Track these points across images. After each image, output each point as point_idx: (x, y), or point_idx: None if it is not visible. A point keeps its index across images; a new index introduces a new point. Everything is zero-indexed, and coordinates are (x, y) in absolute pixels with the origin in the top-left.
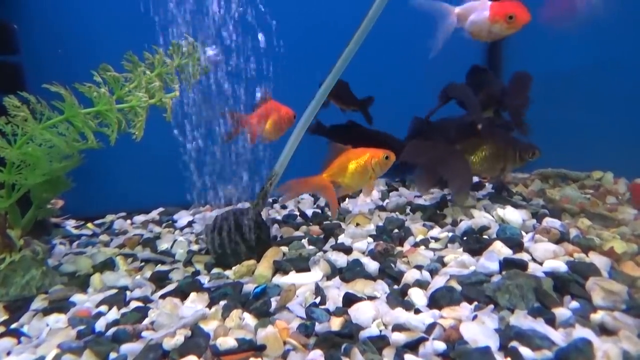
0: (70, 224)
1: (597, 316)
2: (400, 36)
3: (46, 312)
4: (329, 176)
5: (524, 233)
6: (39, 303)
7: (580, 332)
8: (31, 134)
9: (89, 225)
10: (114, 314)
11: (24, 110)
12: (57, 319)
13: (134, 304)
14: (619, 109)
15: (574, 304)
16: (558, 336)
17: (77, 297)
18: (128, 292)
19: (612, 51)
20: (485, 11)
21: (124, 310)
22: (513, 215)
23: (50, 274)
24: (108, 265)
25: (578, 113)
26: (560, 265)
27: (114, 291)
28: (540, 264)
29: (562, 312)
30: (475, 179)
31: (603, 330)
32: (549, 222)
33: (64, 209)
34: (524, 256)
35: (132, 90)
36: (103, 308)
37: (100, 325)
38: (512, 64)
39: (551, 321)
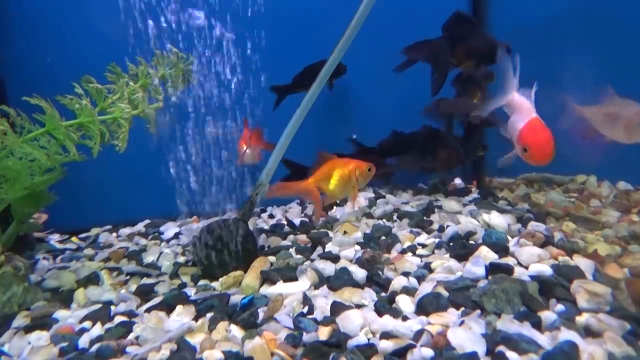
0: (54, 238)
1: (582, 319)
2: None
3: (28, 329)
4: (315, 182)
5: (509, 237)
6: (20, 320)
7: (566, 334)
8: (11, 148)
9: (74, 239)
10: (97, 329)
11: (4, 124)
12: (39, 337)
13: (118, 319)
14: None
15: (560, 307)
16: (544, 340)
17: (60, 314)
18: (112, 307)
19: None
20: (522, 123)
21: (108, 325)
22: (498, 220)
23: (33, 290)
24: (92, 279)
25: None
26: (545, 269)
27: (98, 306)
28: (526, 268)
29: (548, 316)
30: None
31: (588, 332)
32: (533, 226)
33: (47, 223)
34: (510, 260)
35: (115, 102)
36: (87, 324)
37: (83, 341)
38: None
39: (537, 325)
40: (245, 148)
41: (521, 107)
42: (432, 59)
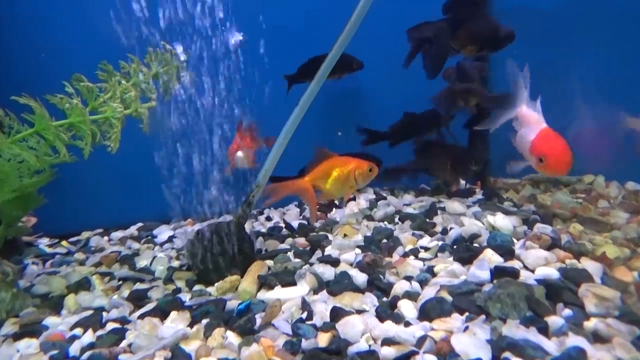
0: (43, 243)
1: (590, 324)
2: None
3: (16, 337)
4: (311, 180)
5: (515, 240)
6: (9, 327)
7: (574, 340)
8: None
9: (64, 243)
10: (89, 336)
11: None
12: (29, 344)
13: (110, 326)
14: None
15: (567, 311)
16: (551, 345)
17: (50, 320)
18: (104, 313)
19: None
20: (533, 134)
21: (100, 332)
22: (504, 222)
23: (21, 296)
24: (83, 285)
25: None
26: (552, 272)
27: (90, 312)
28: (532, 271)
29: (555, 321)
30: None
31: (596, 338)
32: (540, 228)
33: (36, 227)
34: (515, 264)
35: (107, 101)
36: (77, 331)
37: (74, 349)
38: None
39: (544, 330)
40: (237, 151)
41: (530, 119)
42: (432, 41)
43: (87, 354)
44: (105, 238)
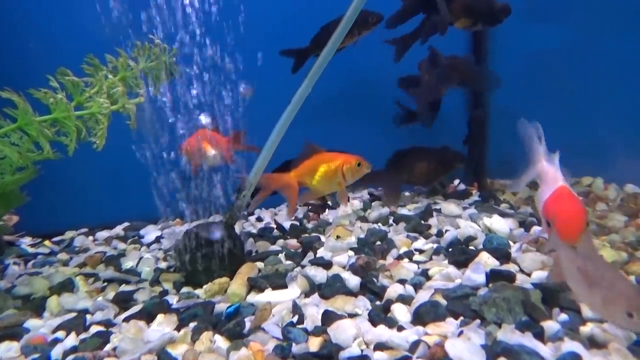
0: (25, 242)
1: (587, 329)
2: None
3: None
4: (297, 175)
5: (511, 243)
6: None
7: (570, 345)
8: None
9: (46, 242)
10: (72, 340)
11: None
12: (9, 348)
13: (94, 329)
14: (610, 112)
15: (563, 316)
16: (547, 351)
17: (32, 323)
18: (88, 316)
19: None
20: (547, 194)
21: (83, 335)
22: (500, 224)
23: (2, 297)
24: (67, 286)
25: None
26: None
27: (73, 315)
28: (528, 275)
29: (550, 326)
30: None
31: (593, 343)
32: (537, 231)
33: (18, 226)
34: (512, 267)
35: (93, 96)
36: (60, 334)
37: (56, 353)
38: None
39: (540, 335)
40: (200, 145)
41: (547, 177)
42: (431, 10)
43: (70, 357)
44: (90, 238)
